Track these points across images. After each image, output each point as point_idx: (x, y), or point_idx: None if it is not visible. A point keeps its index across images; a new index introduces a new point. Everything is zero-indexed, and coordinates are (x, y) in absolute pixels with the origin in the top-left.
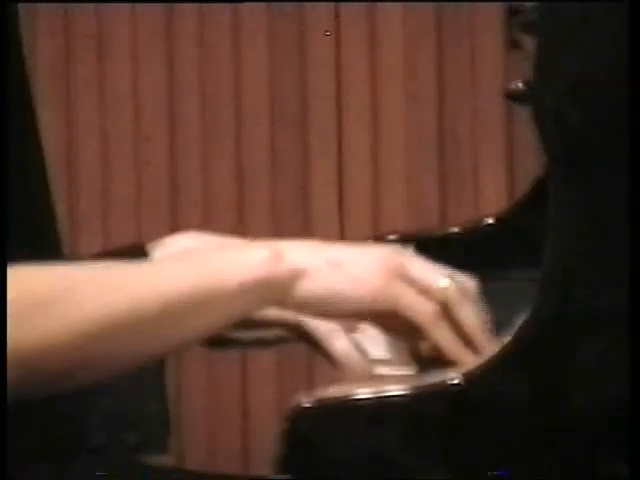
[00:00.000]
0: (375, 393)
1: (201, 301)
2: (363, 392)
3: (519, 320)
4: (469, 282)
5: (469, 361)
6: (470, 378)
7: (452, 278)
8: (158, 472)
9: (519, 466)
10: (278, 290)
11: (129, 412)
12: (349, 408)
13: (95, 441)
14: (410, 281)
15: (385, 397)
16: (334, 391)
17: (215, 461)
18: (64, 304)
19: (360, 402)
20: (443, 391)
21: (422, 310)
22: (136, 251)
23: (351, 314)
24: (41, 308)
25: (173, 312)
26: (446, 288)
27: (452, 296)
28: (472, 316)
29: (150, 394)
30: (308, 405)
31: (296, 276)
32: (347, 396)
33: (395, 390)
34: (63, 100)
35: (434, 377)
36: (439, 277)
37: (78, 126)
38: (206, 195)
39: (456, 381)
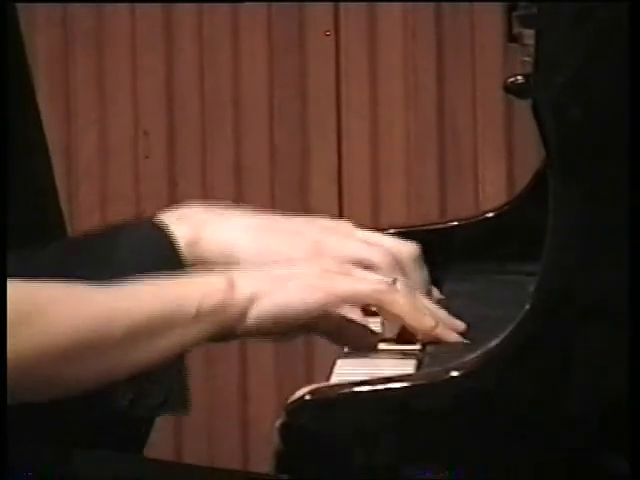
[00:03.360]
0: (374, 386)
1: (161, 326)
2: (362, 385)
3: (518, 314)
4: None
5: (429, 325)
6: (469, 371)
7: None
8: (158, 467)
9: (518, 461)
10: (233, 316)
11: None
12: (348, 401)
13: (120, 400)
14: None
15: (384, 390)
16: (333, 385)
17: (214, 456)
18: (31, 326)
19: (359, 395)
20: (442, 384)
21: (372, 287)
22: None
23: (305, 326)
24: (9, 328)
25: (135, 336)
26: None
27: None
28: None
29: None
30: (307, 399)
31: (248, 302)
32: (346, 389)
33: (394, 383)
34: (62, 94)
35: (434, 370)
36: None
37: (77, 120)
38: (205, 190)
39: (455, 374)
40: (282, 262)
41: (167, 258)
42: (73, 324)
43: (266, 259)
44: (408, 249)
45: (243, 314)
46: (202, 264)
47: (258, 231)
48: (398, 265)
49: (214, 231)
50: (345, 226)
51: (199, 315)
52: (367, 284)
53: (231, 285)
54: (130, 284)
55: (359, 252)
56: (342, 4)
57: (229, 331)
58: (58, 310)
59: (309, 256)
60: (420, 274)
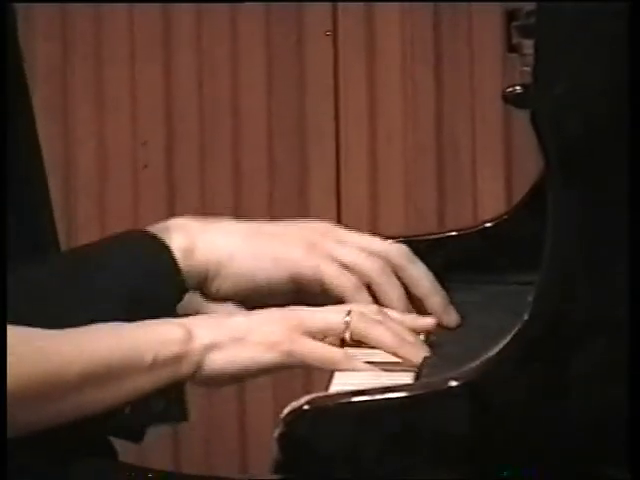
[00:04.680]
0: (373, 396)
1: (115, 374)
2: (360, 395)
3: (517, 323)
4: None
5: (411, 356)
6: (468, 381)
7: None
8: (155, 477)
9: (516, 470)
10: (189, 366)
11: None
12: (347, 411)
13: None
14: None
15: (383, 400)
16: (331, 394)
17: (213, 465)
18: None
19: (358, 405)
20: (441, 394)
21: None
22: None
23: (262, 375)
24: None
25: (88, 381)
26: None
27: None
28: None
29: None
30: (305, 408)
31: (203, 353)
32: (345, 399)
33: (393, 393)
34: (60, 104)
35: (432, 380)
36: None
37: (75, 130)
38: (204, 200)
39: (454, 384)
40: (246, 312)
41: (167, 268)
42: (26, 368)
43: (262, 262)
44: (397, 249)
45: (198, 366)
46: (198, 271)
47: (251, 235)
48: (389, 267)
49: (208, 238)
50: (333, 229)
51: (155, 364)
52: (322, 350)
53: (189, 336)
54: (88, 328)
55: (351, 258)
56: (340, 8)
57: (184, 381)
58: (12, 353)
59: (304, 256)
60: (417, 267)
